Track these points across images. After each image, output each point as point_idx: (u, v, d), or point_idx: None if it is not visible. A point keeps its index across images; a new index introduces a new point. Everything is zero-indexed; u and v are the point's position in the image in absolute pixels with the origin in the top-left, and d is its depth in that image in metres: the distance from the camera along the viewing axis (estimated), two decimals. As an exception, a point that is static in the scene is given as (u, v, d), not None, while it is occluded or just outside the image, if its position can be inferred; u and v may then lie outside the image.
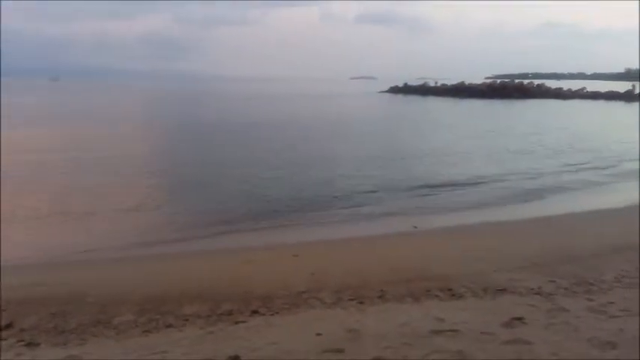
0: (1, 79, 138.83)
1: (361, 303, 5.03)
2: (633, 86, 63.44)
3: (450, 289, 5.29)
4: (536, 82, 77.79)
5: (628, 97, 59.51)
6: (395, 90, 78.63)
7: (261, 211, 10.52)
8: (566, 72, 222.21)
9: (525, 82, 76.94)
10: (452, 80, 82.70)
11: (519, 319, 4.11)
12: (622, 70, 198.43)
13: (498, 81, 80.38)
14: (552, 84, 76.13)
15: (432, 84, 77.85)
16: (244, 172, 14.66)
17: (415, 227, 9.34)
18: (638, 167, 16.22)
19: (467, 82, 76.32)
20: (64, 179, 14.03)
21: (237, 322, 4.58)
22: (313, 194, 11.96)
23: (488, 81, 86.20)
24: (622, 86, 69.11)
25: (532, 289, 5.23)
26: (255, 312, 4.88)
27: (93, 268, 7.26)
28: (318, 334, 4.01)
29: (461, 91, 68.71)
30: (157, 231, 9.29)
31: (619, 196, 11.99)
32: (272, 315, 4.79)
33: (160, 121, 33.51)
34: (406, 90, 77.32)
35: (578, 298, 4.81)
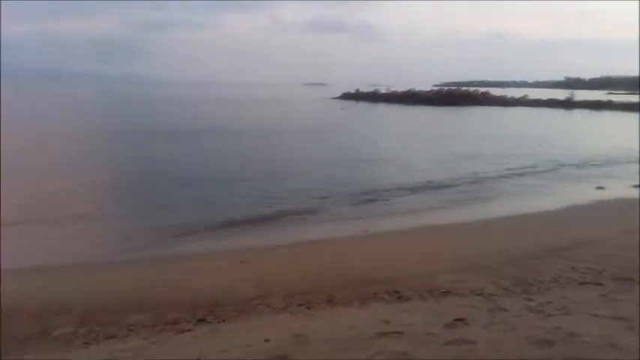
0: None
1: (309, 308, 5.04)
2: (571, 94, 66.85)
3: (396, 292, 5.38)
4: (482, 89, 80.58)
5: (567, 104, 62.52)
6: (347, 96, 79.48)
7: (209, 218, 10.30)
8: (510, 80, 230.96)
9: (472, 89, 79.51)
10: (401, 87, 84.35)
11: (462, 319, 4.20)
12: (562, 79, 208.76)
13: (446, 88, 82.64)
14: (497, 92, 78.96)
15: (382, 91, 79.19)
16: (189, 179, 14.34)
17: (366, 231, 9.44)
18: (574, 171, 17.12)
19: (416, 89, 78.15)
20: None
21: (183, 331, 4.49)
22: (263, 200, 11.87)
23: (436, 88, 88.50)
24: (561, 94, 72.63)
25: (474, 290, 5.40)
26: (201, 320, 4.80)
27: (31, 279, 6.93)
28: (267, 340, 3.98)
29: (410, 98, 70.23)
30: (100, 240, 8.95)
31: (556, 199, 12.55)
32: (219, 322, 4.73)
33: (90, 127, 31.77)
34: (358, 96, 78.35)
35: (517, 298, 4.99)
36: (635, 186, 14.14)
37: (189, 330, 4.49)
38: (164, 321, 4.82)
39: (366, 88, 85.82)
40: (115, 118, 39.12)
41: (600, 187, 13.94)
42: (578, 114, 53.93)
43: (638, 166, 18.53)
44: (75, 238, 9.10)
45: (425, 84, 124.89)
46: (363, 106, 62.18)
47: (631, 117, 49.72)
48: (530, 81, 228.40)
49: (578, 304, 4.48)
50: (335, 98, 79.17)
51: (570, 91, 75.68)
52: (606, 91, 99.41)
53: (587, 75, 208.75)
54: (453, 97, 68.39)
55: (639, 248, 6.72)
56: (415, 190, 13.70)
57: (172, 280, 6.47)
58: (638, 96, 70.12)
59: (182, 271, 6.94)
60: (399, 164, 18.10)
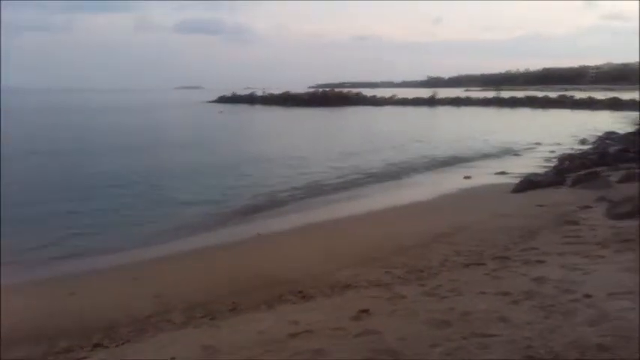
0: None
1: (214, 318, 4.91)
2: (434, 92, 72.48)
3: (300, 292, 5.45)
4: (355, 90, 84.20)
5: (431, 102, 67.61)
6: (223, 100, 78.34)
7: (86, 233, 9.52)
8: (379, 81, 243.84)
9: (345, 90, 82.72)
10: (278, 90, 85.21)
11: (365, 311, 4.37)
12: (425, 78, 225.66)
13: (321, 90, 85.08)
14: (368, 92, 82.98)
15: (259, 93, 79.33)
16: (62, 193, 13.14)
17: (259, 234, 9.39)
18: (443, 162, 18.63)
19: (292, 91, 79.47)
20: None
21: (78, 360, 4.13)
22: (146, 209, 11.27)
23: (312, 90, 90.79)
24: (425, 92, 78.41)
25: (372, 281, 5.64)
26: (97, 345, 4.44)
27: None
28: (173, 359, 3.80)
29: (287, 100, 71.24)
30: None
31: (432, 189, 13.54)
32: (117, 346, 4.41)
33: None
34: (234, 99, 77.61)
35: (412, 284, 5.29)
36: (497, 173, 15.75)
37: (85, 358, 4.13)
38: (55, 351, 4.38)
39: (242, 91, 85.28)
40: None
41: (468, 177, 15.29)
42: (441, 110, 58.66)
43: (505, 153, 20.78)
44: None
45: (300, 86, 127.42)
46: (242, 109, 61.78)
47: (487, 111, 55.35)
48: (398, 81, 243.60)
49: (466, 284, 4.88)
50: (211, 102, 77.66)
51: (433, 89, 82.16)
52: (464, 89, 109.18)
53: (446, 74, 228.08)
54: (328, 98, 70.54)
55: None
56: (307, 190, 13.90)
57: (58, 304, 5.89)
58: (492, 92, 78.22)
59: (68, 293, 6.34)
60: (289, 165, 18.24)
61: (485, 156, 20.44)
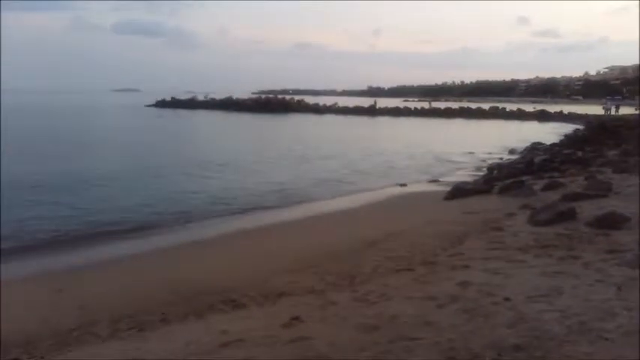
0: None
1: (141, 330, 4.77)
2: (375, 102, 73.94)
3: (232, 301, 5.39)
4: (297, 97, 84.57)
5: (371, 111, 68.89)
6: (163, 104, 76.32)
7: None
8: (321, 88, 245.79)
9: (288, 97, 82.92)
10: (220, 95, 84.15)
11: (297, 318, 4.39)
12: (365, 88, 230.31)
13: (264, 96, 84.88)
14: (310, 99, 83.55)
15: (200, 98, 78.00)
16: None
17: (193, 242, 9.17)
18: (381, 169, 19.03)
19: (234, 96, 78.75)
20: None
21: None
22: (75, 218, 10.77)
23: (255, 96, 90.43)
24: (366, 102, 79.84)
25: (305, 288, 5.67)
26: (15, 360, 4.20)
27: None
28: (95, 372, 3.67)
29: (229, 105, 70.51)
30: None
31: (367, 196, 13.80)
32: (36, 361, 4.20)
33: None
34: (175, 104, 75.75)
35: (344, 290, 5.37)
36: (430, 181, 16.29)
37: (-1, 374, 3.90)
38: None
39: (182, 95, 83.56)
40: None
41: (403, 184, 15.70)
42: (381, 119, 59.88)
43: (439, 162, 21.48)
44: None
45: (243, 91, 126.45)
46: (182, 114, 60.38)
47: (424, 121, 57.12)
48: (339, 90, 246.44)
49: (396, 289, 5.01)
50: (150, 105, 75.43)
51: (374, 98, 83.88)
52: (403, 99, 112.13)
53: (386, 84, 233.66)
54: (271, 104, 70.43)
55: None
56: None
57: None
58: (428, 103, 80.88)
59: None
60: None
61: (422, 164, 21.04)
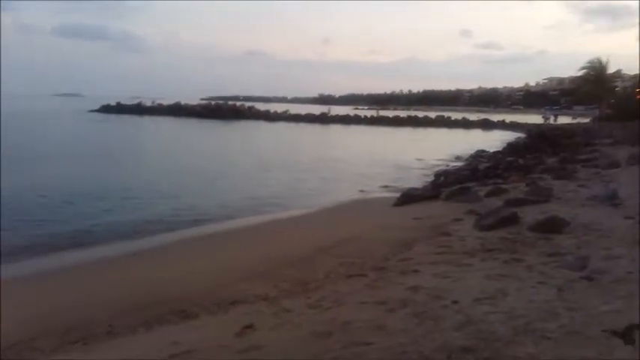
0: None
1: (87, 344, 4.59)
2: (329, 109, 74.47)
3: (183, 311, 5.27)
4: (248, 104, 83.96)
5: (322, 119, 69.31)
6: (107, 109, 73.82)
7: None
8: (272, 95, 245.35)
9: (238, 104, 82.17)
10: (168, 100, 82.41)
11: (250, 326, 4.35)
12: (316, 95, 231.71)
13: (214, 102, 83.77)
14: (261, 106, 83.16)
15: (148, 103, 76.12)
16: None
17: (135, 254, 8.89)
18: (337, 175, 19.19)
19: (183, 102, 77.37)
20: None
21: None
22: (20, 229, 10.23)
23: (204, 102, 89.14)
24: (317, 109, 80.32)
25: (259, 296, 5.63)
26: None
27: None
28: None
29: (178, 111, 69.18)
30: None
31: (323, 201, 13.88)
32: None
33: None
34: (120, 109, 73.44)
35: (298, 297, 5.36)
36: (382, 187, 16.59)
37: None
38: None
39: (128, 101, 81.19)
40: None
41: (362, 190, 15.93)
42: (332, 127, 60.42)
43: (389, 168, 21.86)
44: None
45: (192, 97, 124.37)
46: (128, 120, 58.72)
47: (374, 129, 58.06)
48: (290, 97, 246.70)
49: (348, 295, 5.05)
50: (93, 111, 72.87)
51: (326, 106, 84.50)
52: (353, 107, 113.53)
53: (336, 92, 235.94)
54: (221, 110, 69.64)
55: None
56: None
57: None
58: (376, 111, 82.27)
59: None
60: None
61: (375, 171, 21.34)
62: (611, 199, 8.99)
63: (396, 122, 67.48)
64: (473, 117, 72.60)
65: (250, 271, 6.88)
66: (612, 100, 64.35)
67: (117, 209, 12.41)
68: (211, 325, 4.69)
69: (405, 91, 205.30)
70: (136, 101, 79.13)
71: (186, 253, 8.82)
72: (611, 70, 64.90)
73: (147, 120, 59.82)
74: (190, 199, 14.05)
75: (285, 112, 74.61)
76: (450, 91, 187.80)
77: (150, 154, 26.20)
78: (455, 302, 4.36)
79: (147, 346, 4.19)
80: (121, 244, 9.47)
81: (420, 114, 78.39)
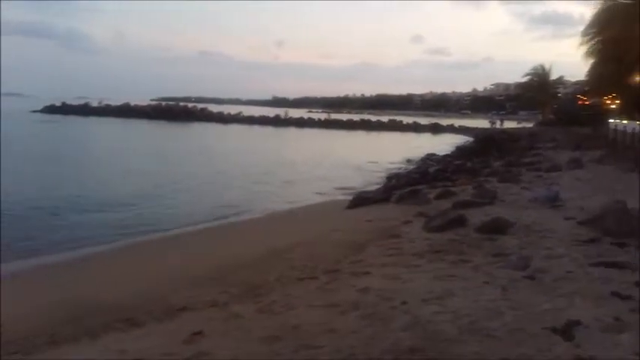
0: None
1: (28, 354, 4.38)
2: (286, 112, 74.24)
3: (129, 319, 5.11)
4: (200, 105, 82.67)
5: (277, 121, 69.13)
6: (52, 109, 70.97)
7: None
8: (225, 97, 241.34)
9: (190, 105, 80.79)
10: (116, 101, 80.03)
11: (199, 333, 4.26)
12: (270, 98, 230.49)
13: (164, 103, 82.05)
14: (214, 108, 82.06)
15: (94, 104, 73.71)
16: None
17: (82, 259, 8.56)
18: (294, 178, 19.17)
19: (132, 102, 75.39)
20: None
21: None
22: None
23: (154, 103, 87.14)
24: (271, 111, 79.99)
25: (208, 302, 5.52)
26: None
27: None
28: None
29: (127, 112, 67.35)
30: None
31: (280, 205, 13.83)
32: None
33: None
34: (65, 110, 70.75)
35: (248, 302, 5.30)
36: (337, 188, 16.70)
37: None
38: None
39: (74, 101, 78.31)
40: None
41: (318, 193, 16.01)
42: (287, 130, 60.36)
43: (345, 171, 22.06)
44: None
45: (141, 98, 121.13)
46: (75, 121, 56.65)
47: (328, 132, 58.39)
48: (244, 99, 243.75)
49: (298, 298, 5.04)
50: (36, 111, 69.86)
51: (281, 109, 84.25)
52: (307, 110, 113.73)
53: (290, 95, 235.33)
54: (172, 112, 68.36)
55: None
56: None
57: None
58: (332, 114, 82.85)
59: None
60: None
61: (330, 174, 21.45)
62: (553, 201, 9.40)
63: (350, 125, 68.15)
64: (424, 121, 74.33)
65: (201, 276, 6.76)
66: (555, 106, 67.40)
67: (63, 216, 11.92)
68: (159, 333, 4.57)
69: (359, 94, 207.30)
70: (82, 102, 76.45)
71: (135, 260, 8.60)
72: (553, 76, 68.13)
73: (93, 121, 57.80)
74: (141, 203, 13.70)
75: (239, 114, 73.97)
76: (401, 96, 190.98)
77: (98, 159, 25.26)
78: (404, 303, 4.42)
79: (91, 356, 4.03)
80: (67, 253, 9.08)
81: (373, 118, 79.54)
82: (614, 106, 47.82)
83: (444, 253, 6.34)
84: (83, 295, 6.22)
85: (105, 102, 76.99)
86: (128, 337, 4.58)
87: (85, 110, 70.25)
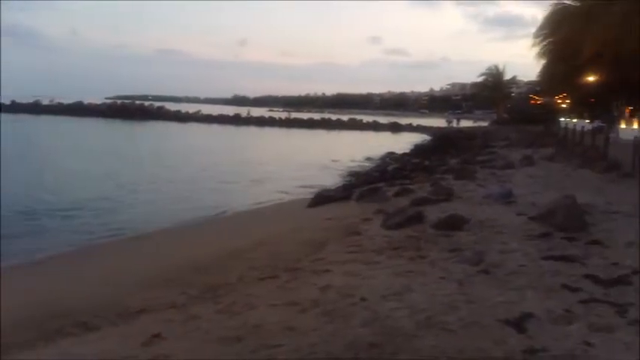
0: None
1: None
2: (248, 112, 73.51)
3: (84, 323, 4.97)
4: (157, 104, 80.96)
5: (236, 120, 68.46)
6: (0, 108, 67.91)
7: None
8: (183, 95, 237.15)
9: (147, 103, 79.00)
10: (68, 99, 77.38)
11: (157, 335, 4.20)
12: (230, 96, 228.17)
13: (120, 101, 79.99)
14: (172, 106, 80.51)
15: (46, 102, 71.06)
16: None
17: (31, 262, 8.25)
18: (259, 176, 19.04)
19: (85, 101, 73.16)
20: None
21: None
22: None
23: (109, 101, 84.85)
24: (230, 110, 79.12)
25: (167, 304, 5.43)
26: None
27: None
28: None
29: (79, 111, 65.29)
30: None
31: (242, 204, 13.69)
32: None
33: None
34: (15, 108, 67.75)
35: (207, 303, 5.25)
36: (302, 186, 16.70)
37: None
38: None
39: (24, 99, 75.23)
40: None
41: (281, 192, 15.99)
42: (247, 129, 59.77)
43: (308, 169, 22.07)
44: None
45: (95, 96, 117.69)
46: (25, 119, 54.33)
47: (289, 131, 58.30)
48: (202, 97, 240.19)
49: (259, 297, 5.03)
50: (-18, 109, 66.62)
51: (243, 107, 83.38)
52: (267, 109, 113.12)
53: (251, 94, 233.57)
54: (127, 110, 66.73)
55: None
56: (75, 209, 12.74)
57: None
58: (293, 113, 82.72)
59: None
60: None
61: (291, 173, 21.41)
62: (506, 198, 9.71)
63: (311, 124, 68.16)
64: (383, 120, 75.19)
65: (160, 278, 6.62)
66: (509, 105, 69.58)
67: (15, 220, 11.40)
68: (117, 336, 4.47)
69: (319, 93, 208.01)
70: (32, 100, 73.57)
71: (91, 263, 8.33)
72: (507, 76, 70.37)
73: (45, 120, 55.69)
74: (99, 205, 13.27)
75: (197, 112, 72.78)
76: (361, 95, 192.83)
77: (51, 160, 24.30)
78: (363, 299, 4.49)
79: (47, 361, 3.92)
80: (20, 258, 8.68)
81: (334, 116, 79.80)
82: (564, 105, 49.80)
83: (402, 249, 6.46)
84: (38, 301, 5.99)
85: (57, 100, 74.31)
86: (85, 342, 4.46)
87: (36, 109, 67.55)
